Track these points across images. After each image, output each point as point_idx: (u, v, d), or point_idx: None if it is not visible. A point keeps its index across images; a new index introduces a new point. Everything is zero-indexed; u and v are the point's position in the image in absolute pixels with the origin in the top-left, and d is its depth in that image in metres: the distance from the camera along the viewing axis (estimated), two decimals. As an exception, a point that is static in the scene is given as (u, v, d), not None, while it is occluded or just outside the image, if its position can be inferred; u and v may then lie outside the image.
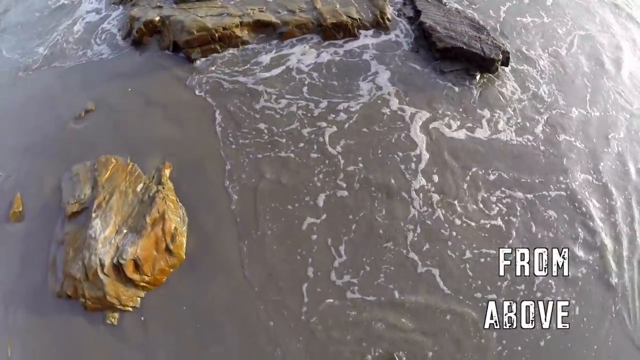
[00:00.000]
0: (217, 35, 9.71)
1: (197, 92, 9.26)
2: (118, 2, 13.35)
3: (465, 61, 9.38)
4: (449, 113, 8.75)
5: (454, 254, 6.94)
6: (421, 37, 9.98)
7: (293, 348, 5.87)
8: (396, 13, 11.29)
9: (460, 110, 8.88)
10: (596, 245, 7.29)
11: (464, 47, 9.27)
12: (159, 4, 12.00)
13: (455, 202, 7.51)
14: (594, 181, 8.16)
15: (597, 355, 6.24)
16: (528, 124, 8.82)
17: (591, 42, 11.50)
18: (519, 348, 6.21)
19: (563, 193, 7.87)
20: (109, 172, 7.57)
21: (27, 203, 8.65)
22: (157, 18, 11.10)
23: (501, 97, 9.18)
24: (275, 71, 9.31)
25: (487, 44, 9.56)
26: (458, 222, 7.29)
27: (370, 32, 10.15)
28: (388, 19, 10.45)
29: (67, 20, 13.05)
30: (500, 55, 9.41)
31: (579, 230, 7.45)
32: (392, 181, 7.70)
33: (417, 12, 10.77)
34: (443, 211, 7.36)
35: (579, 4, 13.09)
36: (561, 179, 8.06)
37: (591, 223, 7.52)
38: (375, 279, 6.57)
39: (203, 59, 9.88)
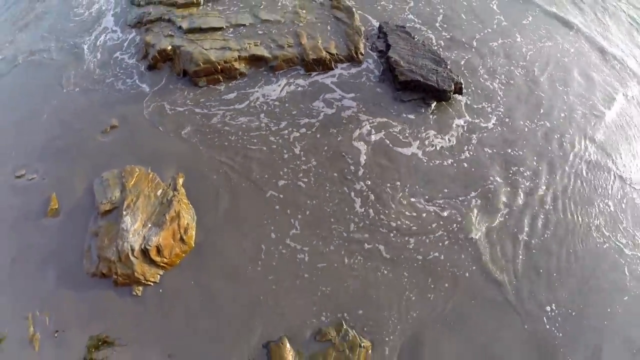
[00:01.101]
0: (219, 67, 12.02)
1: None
2: (132, 25, 15.64)
3: (422, 91, 11.67)
4: (397, 132, 11.06)
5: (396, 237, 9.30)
6: (388, 69, 12.28)
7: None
8: (370, 46, 13.62)
9: (409, 131, 11.18)
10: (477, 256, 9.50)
11: (421, 79, 11.56)
12: (170, 32, 14.31)
13: (386, 200, 9.89)
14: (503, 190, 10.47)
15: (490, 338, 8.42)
16: (463, 146, 11.11)
17: (553, 58, 13.87)
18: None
19: (468, 202, 10.15)
20: (134, 179, 9.87)
21: (61, 202, 10.95)
22: (169, 47, 13.40)
23: (449, 122, 11.48)
24: (258, 98, 11.75)
25: (443, 76, 11.84)
26: (393, 217, 9.65)
27: (346, 64, 12.48)
28: (361, 53, 12.77)
29: (91, 43, 15.33)
30: (453, 87, 11.69)
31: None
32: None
33: (388, 46, 13.08)
34: (372, 208, 9.72)
35: (548, 24, 15.48)
36: (469, 191, 10.33)
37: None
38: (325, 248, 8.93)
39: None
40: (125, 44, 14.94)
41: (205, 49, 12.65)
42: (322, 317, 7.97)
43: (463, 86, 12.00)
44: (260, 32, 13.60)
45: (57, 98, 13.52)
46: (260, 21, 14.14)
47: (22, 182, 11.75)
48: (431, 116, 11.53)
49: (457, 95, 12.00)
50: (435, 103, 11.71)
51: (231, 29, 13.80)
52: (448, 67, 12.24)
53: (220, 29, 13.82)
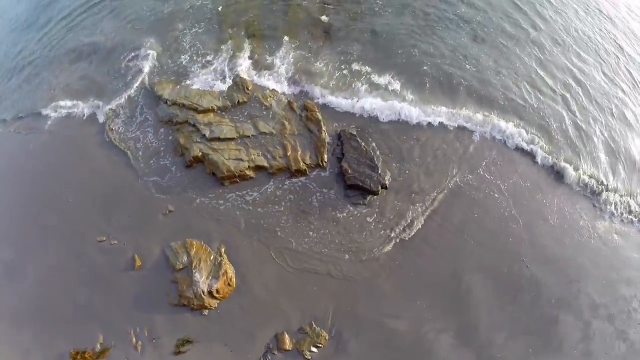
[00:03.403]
0: (237, 174, 22.65)
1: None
2: (164, 122, 25.95)
3: (361, 190, 22.61)
4: (338, 208, 22.06)
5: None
6: (341, 173, 23.24)
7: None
8: (332, 151, 24.51)
9: (344, 208, 22.16)
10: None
11: (361, 184, 22.47)
12: (197, 139, 24.74)
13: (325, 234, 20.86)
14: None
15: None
16: (384, 218, 22.14)
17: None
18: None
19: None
20: (194, 249, 20.33)
21: (142, 261, 21.26)
22: (200, 154, 23.87)
23: (375, 206, 22.49)
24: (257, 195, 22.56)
25: (374, 180, 22.76)
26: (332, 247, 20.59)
27: (315, 170, 23.37)
28: (325, 161, 23.62)
29: (135, 138, 25.53)
30: (380, 187, 22.68)
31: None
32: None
33: (343, 154, 23.98)
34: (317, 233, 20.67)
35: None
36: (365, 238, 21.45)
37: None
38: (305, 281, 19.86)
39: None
40: (164, 144, 25.23)
41: (226, 159, 23.24)
42: (302, 319, 18.78)
43: (388, 184, 23.05)
44: (261, 142, 24.31)
45: (115, 186, 23.71)
46: (258, 132, 24.84)
47: (105, 246, 21.95)
48: (366, 204, 22.49)
49: (383, 189, 23.00)
50: (369, 197, 22.71)
51: (239, 139, 24.46)
52: (379, 172, 23.25)
53: (233, 139, 24.46)
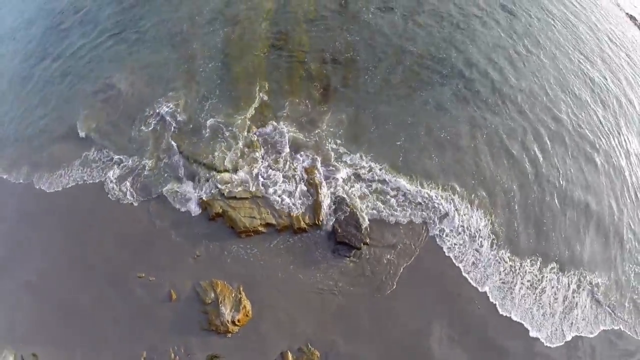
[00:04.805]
0: (251, 230, 32.82)
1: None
2: (189, 179, 36.10)
3: (347, 245, 33.04)
4: (330, 255, 32.52)
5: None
6: (333, 232, 33.69)
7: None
8: (327, 212, 34.97)
9: (333, 257, 32.62)
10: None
11: (347, 241, 32.88)
12: (217, 197, 34.92)
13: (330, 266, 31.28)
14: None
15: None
16: (363, 267, 32.64)
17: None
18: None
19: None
20: (219, 287, 30.37)
21: (177, 294, 31.37)
22: (221, 210, 34.03)
23: (359, 257, 32.95)
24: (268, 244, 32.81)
25: (358, 238, 33.05)
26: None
27: (313, 229, 33.78)
28: (321, 221, 34.03)
29: (165, 191, 35.65)
30: (362, 244, 33.13)
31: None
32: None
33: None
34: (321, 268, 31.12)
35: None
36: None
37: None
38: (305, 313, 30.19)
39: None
40: (192, 197, 35.35)
41: (242, 217, 33.43)
42: (301, 341, 29.02)
43: (368, 241, 33.57)
44: (269, 201, 34.61)
45: (153, 234, 33.77)
46: (267, 192, 35.18)
47: (144, 281, 31.76)
48: (350, 257, 32.94)
49: (364, 245, 33.52)
50: (354, 251, 33.22)
51: (252, 199, 34.72)
52: (362, 231, 33.76)
53: (247, 198, 34.71)
